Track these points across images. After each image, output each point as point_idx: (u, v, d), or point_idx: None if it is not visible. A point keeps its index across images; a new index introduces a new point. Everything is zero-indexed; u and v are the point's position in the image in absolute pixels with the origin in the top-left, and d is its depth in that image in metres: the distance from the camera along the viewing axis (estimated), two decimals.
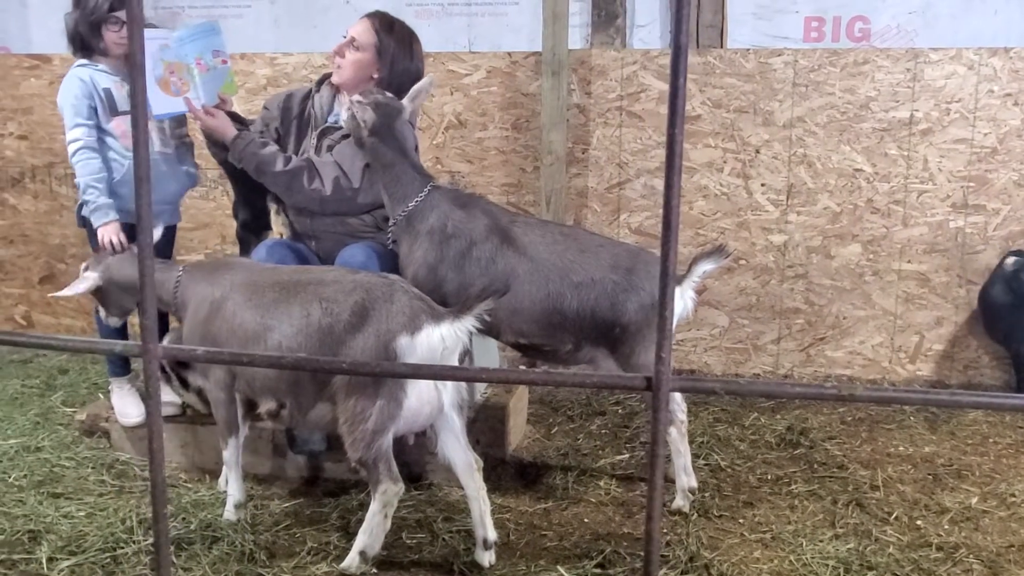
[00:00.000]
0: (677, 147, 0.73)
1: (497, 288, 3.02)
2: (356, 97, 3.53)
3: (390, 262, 3.69)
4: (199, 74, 3.72)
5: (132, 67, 0.87)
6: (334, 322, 3.05)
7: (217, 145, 3.85)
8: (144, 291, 0.88)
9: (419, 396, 3.05)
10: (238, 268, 3.47)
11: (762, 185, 5.07)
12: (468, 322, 2.96)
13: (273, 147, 3.71)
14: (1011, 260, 4.62)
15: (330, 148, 3.78)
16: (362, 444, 3.00)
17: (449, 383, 3.10)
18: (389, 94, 3.60)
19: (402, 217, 3.53)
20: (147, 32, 3.75)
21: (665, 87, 5.06)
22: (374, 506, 3.08)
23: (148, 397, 0.86)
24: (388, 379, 2.97)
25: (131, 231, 4.13)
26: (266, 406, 3.28)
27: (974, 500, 3.69)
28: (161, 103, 3.71)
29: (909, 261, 4.98)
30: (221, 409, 3.44)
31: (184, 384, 3.86)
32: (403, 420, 3.05)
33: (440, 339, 2.97)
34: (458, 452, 3.19)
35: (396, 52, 3.82)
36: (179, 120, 4.26)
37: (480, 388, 4.15)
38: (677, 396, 3.58)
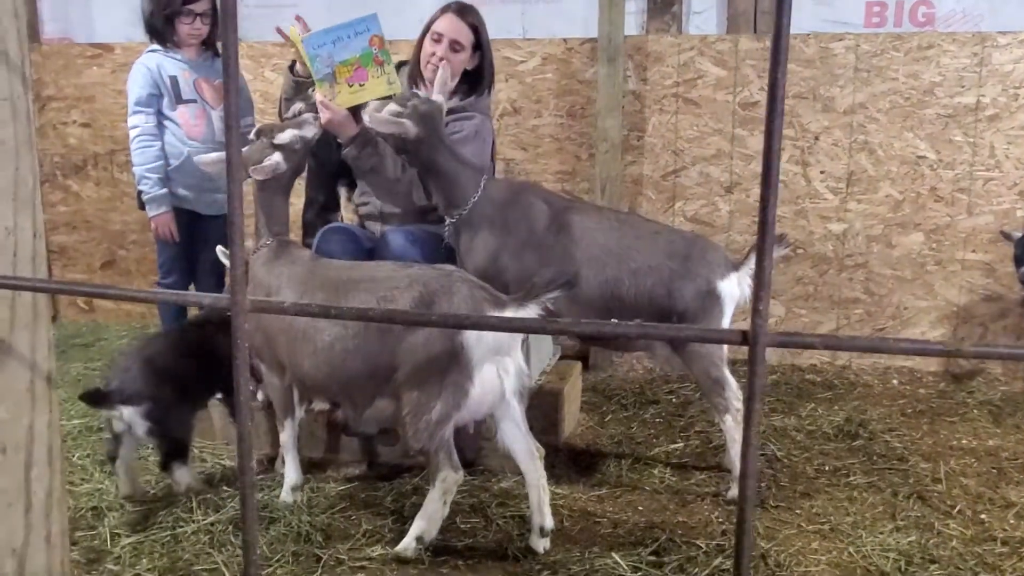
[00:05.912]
0: (776, 132, 0.70)
1: (566, 279, 2.97)
2: (391, 107, 3.34)
3: (430, 246, 3.71)
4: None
5: (226, 56, 0.86)
6: None
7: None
8: (233, 243, 0.88)
9: (483, 385, 3.01)
10: (294, 262, 3.38)
11: (821, 172, 4.98)
12: (532, 309, 2.91)
13: (388, 149, 3.59)
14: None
15: None
16: (425, 434, 2.98)
17: (512, 371, 3.06)
18: (422, 94, 3.45)
19: (460, 215, 3.50)
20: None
21: (722, 73, 4.99)
22: (433, 493, 3.08)
23: (235, 357, 0.85)
24: (453, 370, 2.94)
25: (186, 218, 4.20)
26: (319, 406, 3.26)
27: None
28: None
29: (974, 251, 4.86)
30: (277, 393, 3.48)
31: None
32: (467, 409, 3.03)
33: None
34: (519, 440, 3.17)
35: (487, 43, 3.85)
36: (245, 110, 4.30)
37: (535, 374, 4.14)
38: (733, 385, 3.53)
